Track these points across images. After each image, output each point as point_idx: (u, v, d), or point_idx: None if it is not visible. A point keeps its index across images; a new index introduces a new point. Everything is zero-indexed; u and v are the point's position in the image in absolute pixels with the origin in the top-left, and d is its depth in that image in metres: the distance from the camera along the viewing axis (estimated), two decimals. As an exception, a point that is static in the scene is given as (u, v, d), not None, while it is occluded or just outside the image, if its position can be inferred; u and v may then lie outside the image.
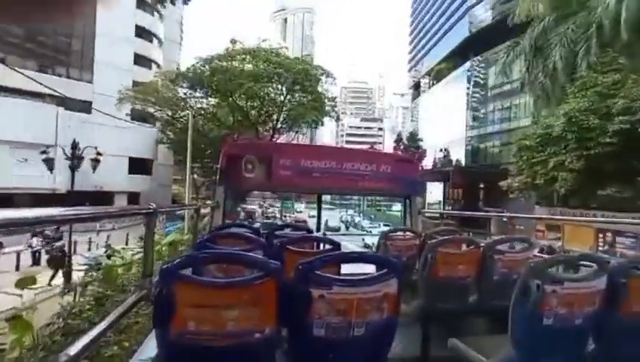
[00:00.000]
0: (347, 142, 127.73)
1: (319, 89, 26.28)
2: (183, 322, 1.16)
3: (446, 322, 2.46)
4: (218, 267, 1.82)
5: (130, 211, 2.45)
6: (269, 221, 31.47)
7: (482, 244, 2.54)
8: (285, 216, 42.57)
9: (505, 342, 1.55)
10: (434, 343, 2.35)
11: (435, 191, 30.72)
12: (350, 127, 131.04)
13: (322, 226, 6.51)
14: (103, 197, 29.41)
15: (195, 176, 36.18)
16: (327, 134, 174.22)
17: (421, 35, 59.52)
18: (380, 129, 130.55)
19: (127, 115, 28.20)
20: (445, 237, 2.84)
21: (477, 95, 38.12)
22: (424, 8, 58.62)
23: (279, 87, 25.86)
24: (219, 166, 4.43)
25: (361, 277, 1.34)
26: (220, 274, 1.75)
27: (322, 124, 28.47)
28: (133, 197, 33.95)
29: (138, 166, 33.94)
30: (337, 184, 4.52)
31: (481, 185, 30.26)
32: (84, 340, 1.11)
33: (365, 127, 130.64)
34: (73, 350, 1.02)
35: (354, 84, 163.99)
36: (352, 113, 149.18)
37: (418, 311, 2.41)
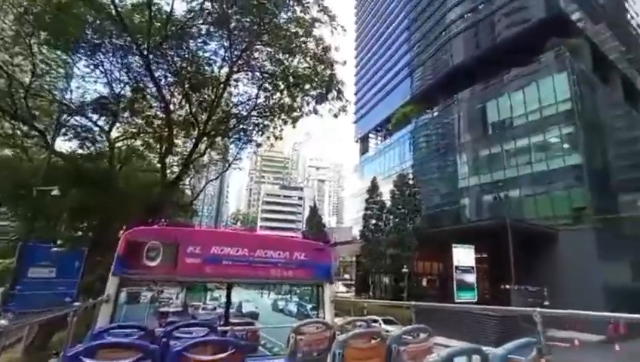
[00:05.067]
0: (263, 210, 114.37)
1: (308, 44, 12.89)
2: None
3: None
4: None
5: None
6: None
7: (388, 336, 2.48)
8: (193, 308, 26.01)
9: None
10: None
11: (462, 259, 19.07)
12: (268, 194, 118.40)
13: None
14: None
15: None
16: (235, 200, 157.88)
17: (373, 81, 54.18)
18: (300, 198, 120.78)
19: None
20: (355, 331, 2.72)
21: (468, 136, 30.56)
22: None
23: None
24: (116, 252, 3.88)
25: None
26: None
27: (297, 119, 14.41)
28: None
29: None
30: (248, 273, 4.31)
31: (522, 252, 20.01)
32: None
33: (284, 196, 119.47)
34: None
35: (269, 152, 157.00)
36: (268, 181, 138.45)
37: None
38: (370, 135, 53.77)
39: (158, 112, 15.38)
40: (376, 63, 54.03)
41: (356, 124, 57.06)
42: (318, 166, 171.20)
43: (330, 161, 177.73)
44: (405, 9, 48.45)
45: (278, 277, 4.54)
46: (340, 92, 13.05)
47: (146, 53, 10.43)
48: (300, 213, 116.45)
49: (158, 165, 15.81)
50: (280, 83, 13.83)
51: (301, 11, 11.98)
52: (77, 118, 14.12)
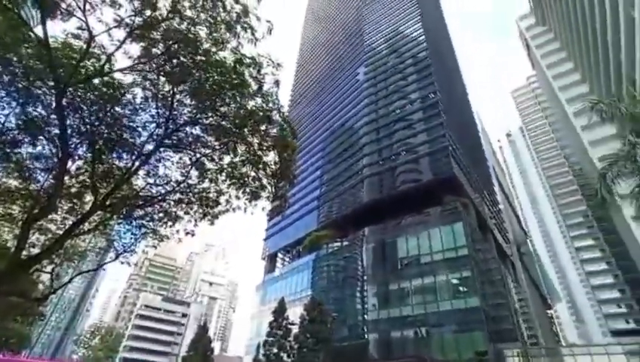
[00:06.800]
0: (135, 326, 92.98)
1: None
2: None
3: None
4: None
5: None
6: None
7: None
8: None
9: None
10: None
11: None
12: (146, 306, 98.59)
13: None
14: None
15: None
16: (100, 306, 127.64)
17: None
18: (185, 315, 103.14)
19: None
20: None
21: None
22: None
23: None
24: None
25: None
26: None
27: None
28: None
29: None
30: None
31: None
32: None
33: (166, 310, 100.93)
34: None
35: (161, 258, 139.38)
36: (151, 290, 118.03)
37: None
38: (279, 254, 51.90)
39: (41, 173, 12.21)
40: (293, 188, 56.49)
41: (266, 241, 55.26)
42: (212, 281, 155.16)
43: (227, 279, 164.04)
44: (321, 152, 54.39)
45: None
46: (292, 181, 12.17)
47: (62, 90, 8.38)
48: (180, 334, 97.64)
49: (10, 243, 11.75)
50: (211, 169, 12.48)
51: (255, 106, 11.71)
52: None
